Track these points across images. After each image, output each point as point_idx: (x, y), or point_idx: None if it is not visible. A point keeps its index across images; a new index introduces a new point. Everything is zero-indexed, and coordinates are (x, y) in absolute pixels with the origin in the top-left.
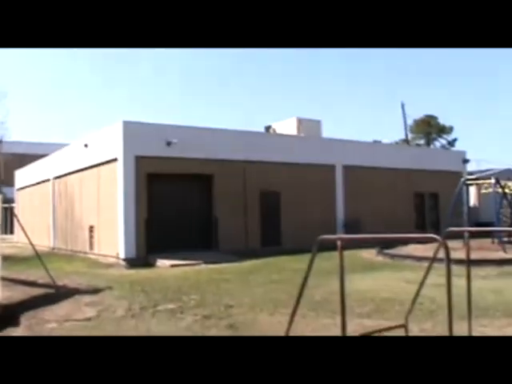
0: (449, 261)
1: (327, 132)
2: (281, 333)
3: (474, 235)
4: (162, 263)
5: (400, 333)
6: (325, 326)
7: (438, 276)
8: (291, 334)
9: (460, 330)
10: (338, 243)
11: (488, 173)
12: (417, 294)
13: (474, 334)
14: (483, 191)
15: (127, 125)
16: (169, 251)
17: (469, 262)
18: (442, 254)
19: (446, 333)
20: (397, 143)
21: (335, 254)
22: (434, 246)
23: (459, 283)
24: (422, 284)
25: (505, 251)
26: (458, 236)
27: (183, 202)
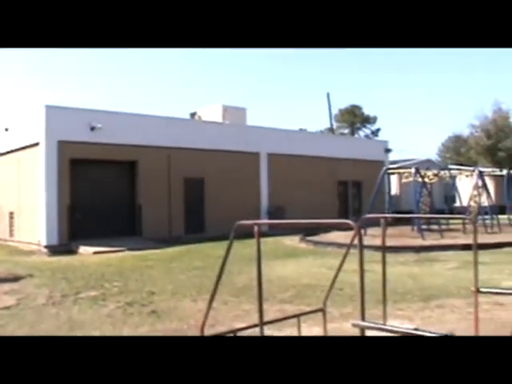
0: (361, 246)
1: (252, 120)
2: (202, 318)
3: (395, 223)
4: (85, 250)
5: (319, 317)
6: (246, 311)
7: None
8: (213, 321)
9: (377, 313)
10: (255, 228)
11: (409, 162)
12: (334, 279)
13: (391, 317)
14: (404, 180)
15: (50, 109)
16: (92, 238)
17: (384, 248)
18: (364, 241)
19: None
20: (322, 132)
21: (261, 240)
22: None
23: (379, 269)
24: (339, 269)
25: (423, 238)
26: (379, 223)
27: (107, 188)
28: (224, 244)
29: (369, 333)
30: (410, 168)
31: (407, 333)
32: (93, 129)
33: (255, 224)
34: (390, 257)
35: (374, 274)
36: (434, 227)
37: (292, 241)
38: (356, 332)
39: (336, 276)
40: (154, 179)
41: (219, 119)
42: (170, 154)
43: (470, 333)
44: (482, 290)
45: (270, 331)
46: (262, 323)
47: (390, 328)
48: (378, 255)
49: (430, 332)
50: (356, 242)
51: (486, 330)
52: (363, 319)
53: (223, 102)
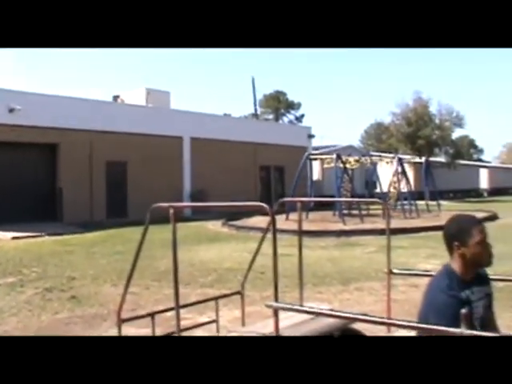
0: (275, 229)
1: (176, 104)
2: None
3: (317, 208)
4: (3, 235)
5: (237, 299)
6: (167, 295)
7: (280, 246)
8: (135, 305)
9: (295, 296)
10: (171, 211)
11: (331, 149)
12: (251, 263)
13: (311, 300)
14: (326, 166)
15: None
16: (10, 223)
17: (300, 232)
18: (285, 226)
19: (284, 298)
20: (246, 117)
21: (183, 225)
22: (279, 218)
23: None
24: (256, 253)
25: (344, 223)
26: (301, 208)
27: (27, 171)
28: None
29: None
30: (332, 154)
31: (321, 313)
32: (11, 110)
33: (170, 207)
34: (311, 241)
35: (295, 258)
36: (355, 212)
37: (215, 225)
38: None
39: (253, 260)
40: (75, 163)
41: (143, 103)
42: (92, 137)
43: (384, 314)
44: (394, 271)
45: (190, 314)
46: (178, 306)
47: (303, 309)
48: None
49: (344, 312)
50: (283, 226)
51: (400, 311)
52: (276, 300)
53: (147, 85)
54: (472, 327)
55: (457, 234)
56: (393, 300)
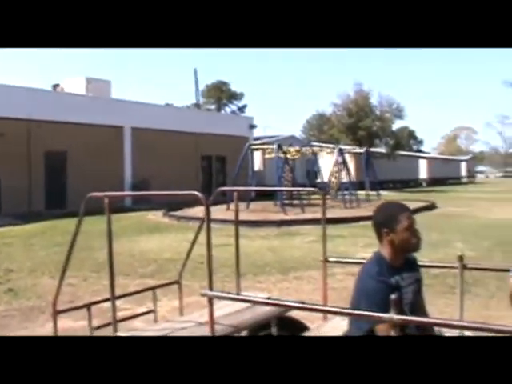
0: (209, 218)
1: (118, 93)
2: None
3: (259, 198)
4: None
5: (177, 289)
6: (106, 286)
7: (220, 236)
8: (73, 297)
9: (234, 286)
10: (105, 201)
11: (273, 139)
12: (188, 253)
13: (251, 289)
14: (267, 156)
15: None
16: None
17: (237, 222)
18: (226, 216)
19: (224, 288)
20: (188, 107)
21: (124, 216)
22: (220, 208)
23: (241, 243)
24: (193, 243)
25: (285, 213)
26: (244, 198)
27: None
28: (87, 219)
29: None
30: (273, 144)
31: (257, 302)
32: None
33: (105, 196)
34: (251, 231)
35: (234, 248)
36: (296, 202)
37: (156, 216)
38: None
39: (190, 250)
40: (12, 153)
41: (83, 91)
42: (31, 126)
43: (322, 301)
44: (330, 259)
45: (129, 305)
46: (113, 297)
47: (238, 297)
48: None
49: (281, 300)
50: (226, 217)
51: (338, 298)
52: (211, 289)
53: (87, 74)
54: (402, 312)
55: (385, 220)
56: (331, 288)
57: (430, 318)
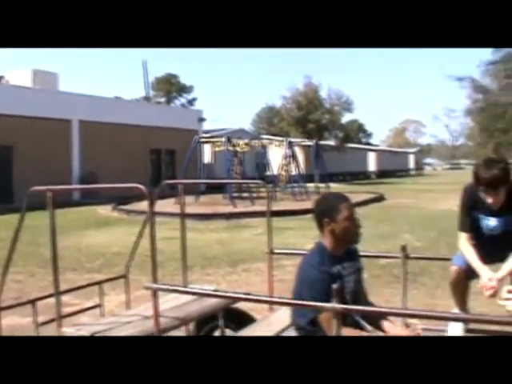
0: (152, 212)
1: (66, 86)
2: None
3: (208, 191)
4: None
5: (119, 282)
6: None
7: (169, 230)
8: (20, 293)
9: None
10: (48, 195)
11: (222, 132)
12: (135, 246)
13: (199, 282)
14: (216, 149)
15: None
16: None
17: (183, 215)
18: (174, 209)
19: (174, 281)
20: (138, 100)
21: (72, 210)
22: (169, 201)
23: (189, 236)
24: (139, 236)
25: (234, 206)
26: (192, 192)
27: None
28: (34, 214)
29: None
30: (222, 137)
31: (202, 294)
32: None
33: (48, 190)
34: (201, 224)
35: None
36: (246, 195)
37: (105, 210)
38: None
39: (136, 243)
40: None
41: (29, 84)
42: None
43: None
44: (275, 251)
45: (77, 300)
46: (57, 292)
47: (182, 289)
48: (189, 223)
49: (227, 292)
50: (174, 210)
51: (286, 290)
52: (155, 282)
53: (33, 65)
54: (344, 301)
55: (325, 211)
56: (279, 280)
57: (372, 307)
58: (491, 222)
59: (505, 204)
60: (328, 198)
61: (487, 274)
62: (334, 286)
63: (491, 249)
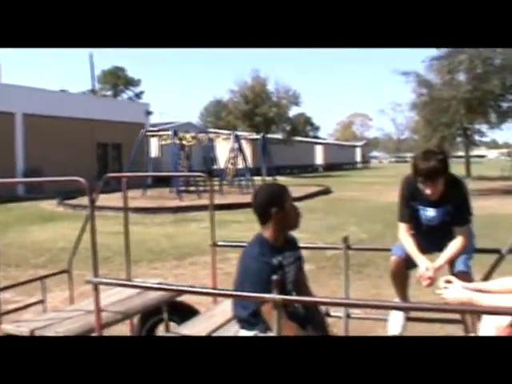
0: (93, 206)
1: (9, 78)
2: None
3: (155, 185)
4: None
5: (64, 277)
6: None
7: (116, 224)
8: None
9: (132, 273)
10: None
11: (169, 125)
12: (77, 241)
13: (146, 276)
14: (163, 143)
15: None
16: None
17: (126, 208)
18: (120, 203)
19: (120, 276)
20: (84, 93)
21: (17, 205)
22: (116, 195)
23: (136, 230)
24: (82, 231)
25: (181, 199)
26: (138, 186)
27: None
28: None
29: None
30: (169, 130)
31: (144, 287)
32: None
33: None
34: (147, 218)
35: (132, 235)
36: (193, 188)
37: (50, 205)
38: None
39: (79, 238)
40: None
41: None
42: None
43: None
44: (219, 243)
45: (20, 297)
46: None
47: (125, 283)
48: (137, 217)
49: (170, 285)
50: (114, 203)
51: (231, 282)
52: (96, 275)
53: None
54: (285, 291)
55: (272, 200)
56: (225, 273)
57: (313, 297)
58: (429, 213)
59: (443, 195)
60: (270, 187)
61: (425, 264)
62: (274, 277)
63: (430, 238)
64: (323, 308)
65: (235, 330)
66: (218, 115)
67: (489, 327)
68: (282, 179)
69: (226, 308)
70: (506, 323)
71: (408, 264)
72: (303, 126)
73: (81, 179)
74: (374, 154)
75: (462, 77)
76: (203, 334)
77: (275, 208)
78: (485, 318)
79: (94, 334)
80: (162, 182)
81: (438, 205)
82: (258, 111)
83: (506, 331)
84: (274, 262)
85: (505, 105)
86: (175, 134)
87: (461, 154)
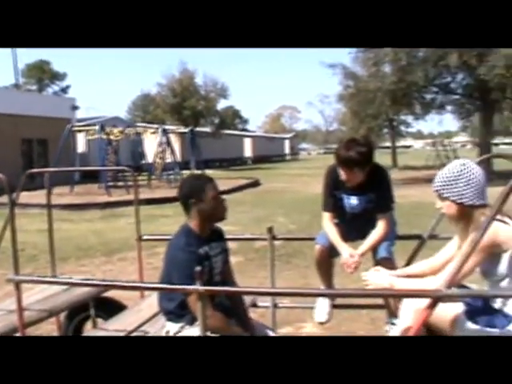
0: (13, 202)
1: None
2: None
3: (83, 181)
4: None
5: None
6: None
7: (43, 222)
8: None
9: (59, 271)
10: None
11: (97, 120)
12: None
13: (74, 274)
14: (90, 137)
15: None
16: None
17: (49, 205)
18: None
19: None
20: (6, 88)
21: None
22: (43, 192)
23: (64, 227)
24: (3, 229)
25: (109, 195)
26: (66, 182)
27: None
28: None
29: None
30: (96, 125)
31: (68, 283)
32: None
33: None
34: (75, 214)
35: (57, 233)
36: (121, 184)
37: None
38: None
39: (1, 236)
40: None
41: None
42: None
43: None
44: (144, 237)
45: None
46: None
47: (47, 280)
48: (64, 213)
49: (94, 280)
50: (40, 200)
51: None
52: (17, 274)
53: None
54: (212, 283)
55: (191, 192)
56: (154, 267)
57: (238, 287)
58: (353, 201)
59: (366, 183)
60: (192, 179)
61: (347, 251)
62: (197, 268)
63: (354, 226)
64: (251, 298)
65: (162, 324)
66: (146, 109)
67: (408, 310)
68: (210, 172)
69: (152, 302)
70: (424, 306)
71: (332, 252)
72: (232, 118)
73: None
74: (303, 145)
75: (387, 68)
76: (130, 328)
77: (193, 199)
78: (404, 301)
79: (17, 334)
80: (90, 177)
81: (362, 193)
82: (186, 104)
83: (424, 314)
84: (201, 252)
85: (428, 96)
86: (102, 128)
87: (388, 144)
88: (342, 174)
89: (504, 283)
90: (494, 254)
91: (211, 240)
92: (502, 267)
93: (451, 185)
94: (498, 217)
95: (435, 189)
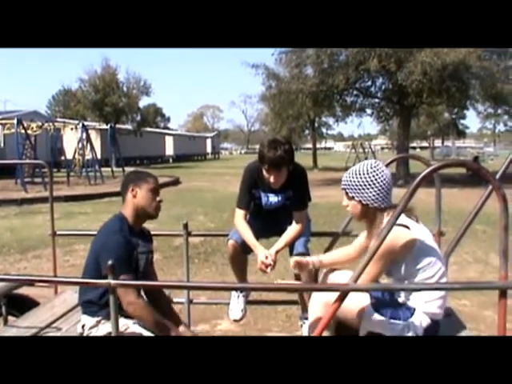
0: None
1: None
2: None
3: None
4: None
5: None
6: None
7: None
8: None
9: None
10: None
11: (14, 114)
12: None
13: None
14: (6, 132)
15: None
16: None
17: None
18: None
19: None
20: None
21: None
22: None
23: None
24: None
25: (26, 191)
26: None
27: None
28: None
29: None
30: (13, 119)
31: None
32: None
33: None
34: None
35: None
36: (39, 180)
37: None
38: None
39: None
40: None
41: None
42: None
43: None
44: (58, 232)
45: None
46: None
47: None
48: None
49: (10, 275)
50: None
51: (78, 274)
52: None
53: None
54: (137, 275)
55: (133, 179)
56: (71, 265)
57: (153, 282)
58: (272, 198)
59: (285, 182)
60: (139, 171)
61: (263, 252)
62: (109, 262)
63: (271, 223)
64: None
65: (76, 320)
66: (67, 104)
67: (317, 304)
68: (131, 170)
69: (67, 297)
70: (333, 299)
71: (245, 248)
72: (154, 116)
73: None
74: (225, 145)
75: (309, 70)
76: (42, 325)
77: (132, 184)
78: (313, 295)
79: None
80: (6, 173)
81: (280, 190)
82: (107, 101)
83: (333, 307)
84: (134, 241)
85: (349, 99)
86: (19, 122)
87: (309, 145)
88: (268, 176)
89: (406, 281)
90: (395, 259)
91: (140, 237)
92: (403, 270)
93: (358, 186)
94: (402, 218)
95: (343, 187)
